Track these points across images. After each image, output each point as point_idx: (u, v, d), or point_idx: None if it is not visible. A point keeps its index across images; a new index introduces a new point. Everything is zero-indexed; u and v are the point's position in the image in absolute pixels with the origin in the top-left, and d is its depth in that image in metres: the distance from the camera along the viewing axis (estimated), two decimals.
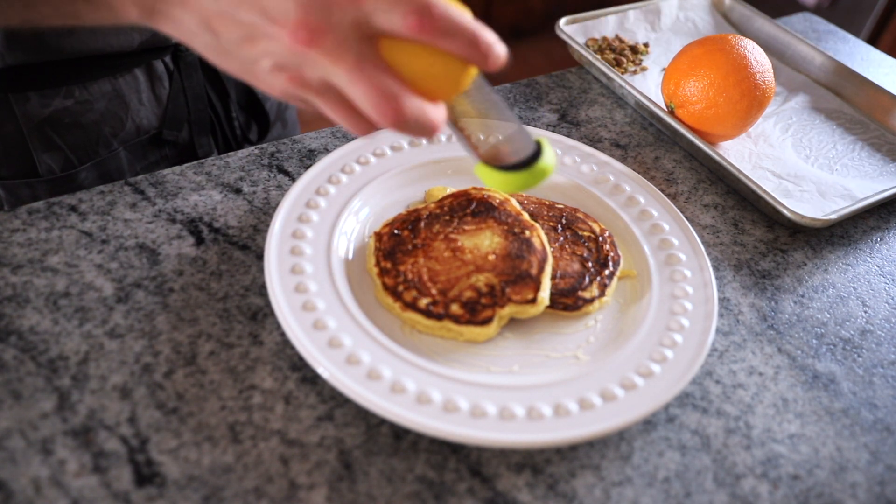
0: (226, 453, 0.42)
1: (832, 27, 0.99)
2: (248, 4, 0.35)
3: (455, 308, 0.48)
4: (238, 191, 0.58)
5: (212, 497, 0.40)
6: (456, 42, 0.35)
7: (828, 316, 0.57)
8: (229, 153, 0.62)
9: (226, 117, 0.76)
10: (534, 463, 0.44)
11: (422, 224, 0.53)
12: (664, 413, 0.48)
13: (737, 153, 0.71)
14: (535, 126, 0.70)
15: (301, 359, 0.47)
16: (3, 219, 0.53)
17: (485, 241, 0.52)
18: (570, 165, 0.62)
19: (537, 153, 0.44)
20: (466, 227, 0.53)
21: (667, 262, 0.55)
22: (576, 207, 0.59)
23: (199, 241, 0.54)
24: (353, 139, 0.65)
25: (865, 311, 0.58)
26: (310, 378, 0.46)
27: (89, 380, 0.44)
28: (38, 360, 0.45)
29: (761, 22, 0.87)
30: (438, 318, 0.48)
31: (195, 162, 0.60)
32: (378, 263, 0.51)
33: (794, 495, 0.45)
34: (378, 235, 0.53)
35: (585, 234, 0.56)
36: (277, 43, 0.35)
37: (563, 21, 0.81)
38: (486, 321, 0.48)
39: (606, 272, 0.53)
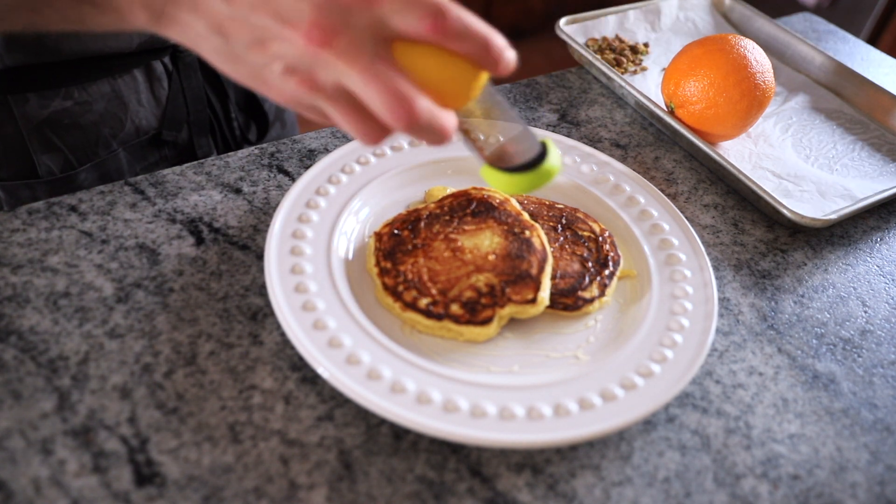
0: (226, 453, 0.42)
1: (832, 27, 0.99)
2: (262, 7, 0.34)
3: (455, 308, 0.48)
4: (238, 191, 0.58)
5: (212, 497, 0.40)
6: (469, 45, 0.36)
7: (828, 316, 0.57)
8: (229, 153, 0.62)
9: (225, 118, 0.76)
10: (534, 463, 0.44)
11: (422, 224, 0.53)
12: (664, 413, 0.48)
13: (737, 153, 0.71)
14: (535, 126, 0.70)
15: (301, 359, 0.47)
16: (3, 219, 0.53)
17: (485, 241, 0.52)
18: (570, 165, 0.62)
19: (543, 154, 0.43)
20: (466, 227, 0.53)
21: (667, 262, 0.55)
22: (576, 207, 0.59)
23: (199, 241, 0.54)
24: (353, 139, 0.65)
25: (865, 311, 0.58)
26: (310, 378, 0.46)
27: (89, 380, 0.44)
28: (38, 360, 0.45)
29: (761, 22, 0.87)
30: (438, 318, 0.48)
31: (195, 162, 0.60)
32: (378, 263, 0.51)
33: (794, 495, 0.45)
34: (378, 235, 0.53)
35: (585, 234, 0.56)
36: (290, 45, 0.35)
37: (563, 21, 0.81)
38: (486, 321, 0.48)
39: (606, 272, 0.53)
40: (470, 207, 0.54)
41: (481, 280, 0.50)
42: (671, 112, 0.70)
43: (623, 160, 0.68)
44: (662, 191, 0.65)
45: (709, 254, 0.60)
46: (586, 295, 0.52)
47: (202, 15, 0.36)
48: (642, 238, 0.57)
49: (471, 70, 0.38)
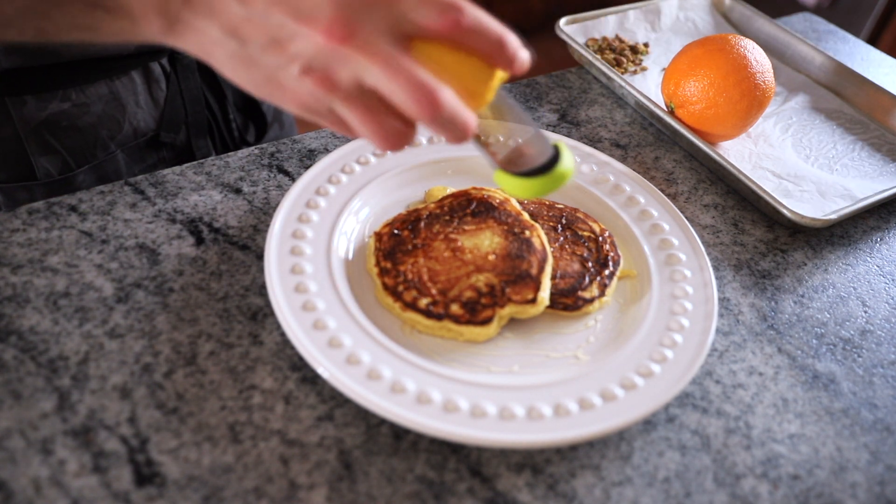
0: (226, 453, 0.42)
1: (832, 27, 0.99)
2: (279, 5, 0.34)
3: (455, 308, 0.48)
4: (238, 191, 0.58)
5: (212, 497, 0.40)
6: (485, 41, 0.36)
7: (828, 316, 0.57)
8: (229, 153, 0.62)
9: (223, 119, 0.76)
10: (534, 463, 0.44)
11: (422, 224, 0.53)
12: (664, 413, 0.48)
13: (737, 153, 0.71)
14: None
15: (301, 359, 0.47)
16: (3, 219, 0.53)
17: (485, 241, 0.52)
18: None
19: (556, 157, 0.43)
20: (466, 227, 0.53)
21: (667, 262, 0.55)
22: (576, 207, 0.59)
23: (199, 241, 0.54)
24: (352, 139, 0.65)
25: (865, 311, 0.58)
26: (310, 378, 0.46)
27: (89, 380, 0.44)
28: (38, 360, 0.45)
29: (761, 22, 0.87)
30: (438, 318, 0.48)
31: (195, 162, 0.60)
32: (378, 263, 0.51)
33: (794, 495, 0.45)
34: (378, 235, 0.53)
35: (585, 234, 0.56)
36: (309, 42, 0.35)
37: (563, 21, 0.81)
38: (486, 321, 0.48)
39: (606, 272, 0.53)
40: (470, 207, 0.54)
41: (481, 280, 0.50)
42: (671, 112, 0.70)
43: (623, 160, 0.68)
44: (662, 191, 0.65)
45: (709, 254, 0.60)
46: (586, 295, 0.52)
47: (218, 18, 0.36)
48: (642, 238, 0.57)
49: (486, 70, 0.38)
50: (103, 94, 0.65)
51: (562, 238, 0.56)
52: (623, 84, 0.73)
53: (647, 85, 0.79)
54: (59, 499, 0.39)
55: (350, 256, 0.53)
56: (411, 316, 0.49)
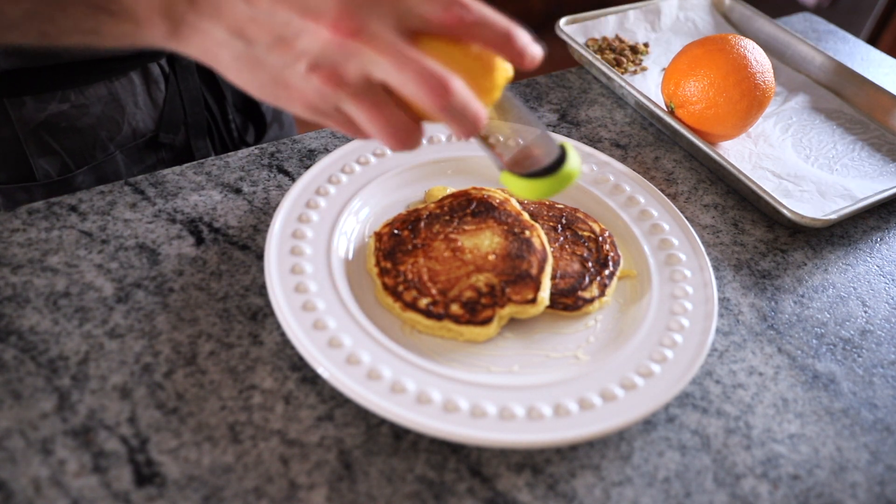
0: (226, 453, 0.42)
1: (832, 27, 0.99)
2: (285, 3, 0.34)
3: (455, 308, 0.48)
4: (238, 191, 0.58)
5: (212, 497, 0.40)
6: (493, 35, 0.36)
7: (828, 316, 0.57)
8: (229, 153, 0.62)
9: (222, 119, 0.76)
10: (534, 463, 0.44)
11: (422, 224, 0.53)
12: (664, 413, 0.48)
13: (737, 153, 0.71)
14: None
15: (301, 359, 0.47)
16: (3, 219, 0.53)
17: (485, 241, 0.52)
18: None
19: (562, 158, 0.43)
20: (466, 227, 0.53)
21: (667, 262, 0.55)
22: (576, 207, 0.59)
23: (199, 241, 0.54)
24: (352, 139, 0.65)
25: (865, 311, 0.58)
26: (310, 378, 0.46)
27: (89, 380, 0.44)
28: (38, 360, 0.45)
29: (761, 22, 0.87)
30: (438, 318, 0.48)
31: (195, 162, 0.60)
32: (378, 263, 0.51)
33: (794, 495, 0.45)
34: (378, 235, 0.53)
35: (585, 234, 0.56)
36: (316, 38, 0.34)
37: (563, 21, 0.81)
38: (486, 321, 0.48)
39: (606, 272, 0.53)
40: (470, 207, 0.54)
41: (481, 280, 0.50)
42: (671, 112, 0.70)
43: (623, 160, 0.68)
44: (662, 191, 0.65)
45: (709, 254, 0.60)
46: (586, 295, 0.52)
47: (224, 19, 0.36)
48: (642, 238, 0.57)
49: (493, 67, 0.38)
50: (102, 95, 0.64)
51: (562, 238, 0.56)
52: (623, 84, 0.73)
53: (647, 85, 0.79)
54: (59, 499, 0.39)
55: (350, 256, 0.53)
56: (411, 316, 0.49)
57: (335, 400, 0.45)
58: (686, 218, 0.62)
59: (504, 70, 0.39)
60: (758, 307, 0.56)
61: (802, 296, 0.58)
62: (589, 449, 0.45)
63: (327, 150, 0.64)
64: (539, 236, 0.53)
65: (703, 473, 0.45)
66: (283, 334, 0.49)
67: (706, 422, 0.48)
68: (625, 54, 0.81)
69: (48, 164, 0.65)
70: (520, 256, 0.51)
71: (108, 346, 0.46)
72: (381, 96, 0.36)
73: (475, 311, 0.48)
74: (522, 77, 0.78)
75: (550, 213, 0.57)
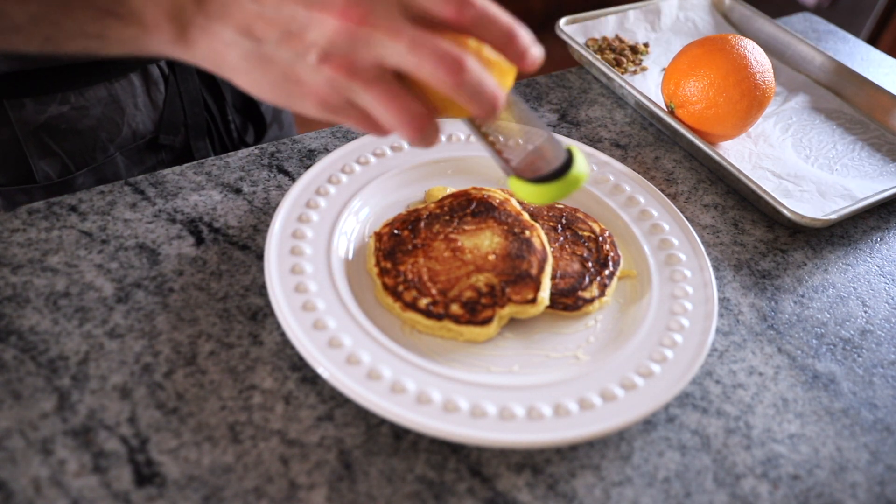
0: (226, 453, 0.42)
1: (832, 27, 0.99)
2: None
3: (455, 308, 0.48)
4: (238, 191, 0.58)
5: (212, 497, 0.40)
6: (492, 34, 0.36)
7: (828, 316, 0.57)
8: (229, 153, 0.62)
9: (222, 120, 0.75)
10: (534, 463, 0.44)
11: (422, 224, 0.53)
12: (664, 413, 0.48)
13: (737, 153, 0.71)
14: None
15: (301, 359, 0.47)
16: (3, 219, 0.53)
17: (485, 241, 0.52)
18: None
19: (569, 162, 0.43)
20: (466, 227, 0.53)
21: (667, 262, 0.55)
22: (576, 207, 0.59)
23: (199, 241, 0.54)
24: (352, 139, 0.65)
25: (865, 311, 0.58)
26: (310, 378, 0.46)
27: (89, 380, 0.44)
28: (38, 360, 0.45)
29: (761, 22, 0.87)
30: (438, 318, 0.48)
31: (195, 162, 0.60)
32: (378, 263, 0.51)
33: (794, 495, 0.45)
34: (378, 235, 0.53)
35: (585, 234, 0.56)
36: (324, 28, 0.34)
37: (563, 21, 0.81)
38: (486, 321, 0.48)
39: (606, 272, 0.53)
40: (470, 207, 0.54)
41: (481, 280, 0.50)
42: (671, 112, 0.70)
43: (623, 160, 0.68)
44: (662, 191, 0.65)
45: (709, 254, 0.60)
46: (586, 295, 0.52)
47: (232, 18, 0.36)
48: (642, 238, 0.57)
49: (498, 65, 0.38)
50: (102, 96, 0.64)
51: (562, 238, 0.56)
52: (623, 84, 0.73)
53: (647, 85, 0.79)
54: (59, 499, 0.39)
55: (350, 256, 0.53)
56: (411, 316, 0.49)
57: (335, 400, 0.45)
58: (686, 218, 0.62)
59: (509, 70, 0.39)
60: (758, 307, 0.56)
61: (802, 296, 0.58)
62: (589, 449, 0.45)
63: (327, 150, 0.64)
64: (539, 236, 0.53)
65: (703, 473, 0.45)
66: (283, 334, 0.49)
67: (706, 422, 0.48)
68: (625, 54, 0.81)
69: (48, 166, 0.65)
70: (520, 256, 0.51)
71: (108, 346, 0.46)
72: (395, 84, 0.36)
73: (475, 311, 0.48)
74: (522, 77, 0.78)
75: (550, 213, 0.57)
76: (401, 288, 0.50)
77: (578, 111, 0.74)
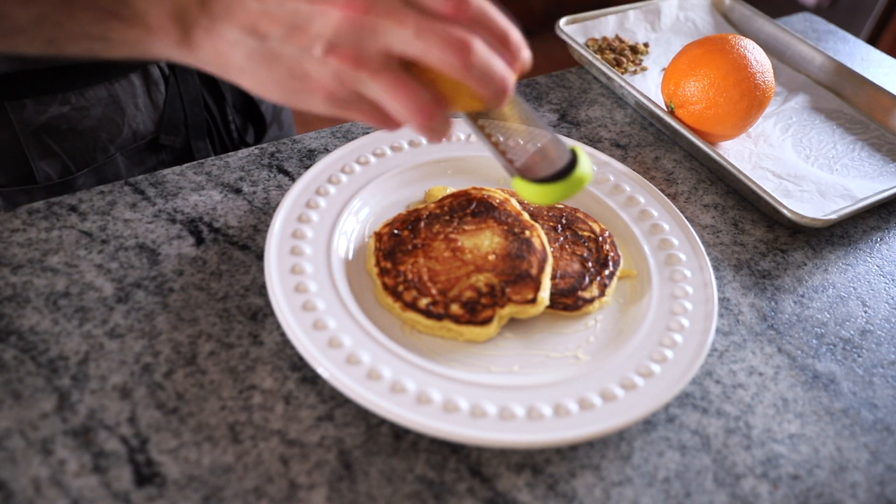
0: (226, 453, 0.42)
1: (832, 27, 0.99)
2: None
3: (455, 308, 0.48)
4: (238, 191, 0.58)
5: (212, 497, 0.40)
6: (489, 31, 0.36)
7: (828, 316, 0.57)
8: (229, 153, 0.62)
9: (222, 121, 0.75)
10: (534, 463, 0.44)
11: (422, 224, 0.53)
12: (664, 413, 0.48)
13: (737, 153, 0.71)
14: None
15: (301, 359, 0.47)
16: (3, 219, 0.53)
17: (485, 241, 0.52)
18: None
19: (573, 162, 0.43)
20: (466, 227, 0.53)
21: (667, 262, 0.55)
22: (576, 207, 0.59)
23: (199, 241, 0.54)
24: (353, 139, 0.65)
25: (865, 311, 0.58)
26: (310, 378, 0.46)
27: (89, 380, 0.44)
28: (38, 360, 0.45)
29: (761, 22, 0.87)
30: (438, 318, 0.48)
31: (195, 162, 0.60)
32: (378, 263, 0.51)
33: (794, 495, 0.45)
34: (378, 235, 0.53)
35: (585, 234, 0.56)
36: (329, 19, 0.34)
37: (563, 21, 0.81)
38: (486, 321, 0.48)
39: (606, 272, 0.53)
40: (470, 207, 0.54)
41: (481, 280, 0.50)
42: (671, 112, 0.70)
43: (623, 160, 0.68)
44: (662, 191, 0.65)
45: (709, 254, 0.60)
46: (586, 295, 0.52)
47: (236, 18, 0.36)
48: (642, 238, 0.57)
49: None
50: (102, 97, 0.64)
51: (562, 238, 0.56)
52: (623, 84, 0.73)
53: (647, 85, 0.79)
54: (59, 499, 0.39)
55: (350, 256, 0.53)
56: (411, 316, 0.49)
57: (335, 400, 0.45)
58: (686, 218, 0.62)
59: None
60: (758, 307, 0.56)
61: (802, 296, 0.58)
62: (589, 449, 0.45)
63: (327, 150, 0.64)
64: (539, 236, 0.53)
65: (703, 473, 0.45)
66: (283, 334, 0.49)
67: (706, 422, 0.48)
68: (625, 54, 0.81)
69: (49, 167, 0.65)
70: (520, 256, 0.51)
71: (108, 346, 0.46)
72: (403, 73, 0.36)
73: (475, 311, 0.48)
74: (522, 77, 0.78)
75: (550, 213, 0.57)
76: (401, 288, 0.50)
77: (578, 111, 0.74)
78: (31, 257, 0.51)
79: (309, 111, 0.38)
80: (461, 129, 0.63)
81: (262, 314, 0.50)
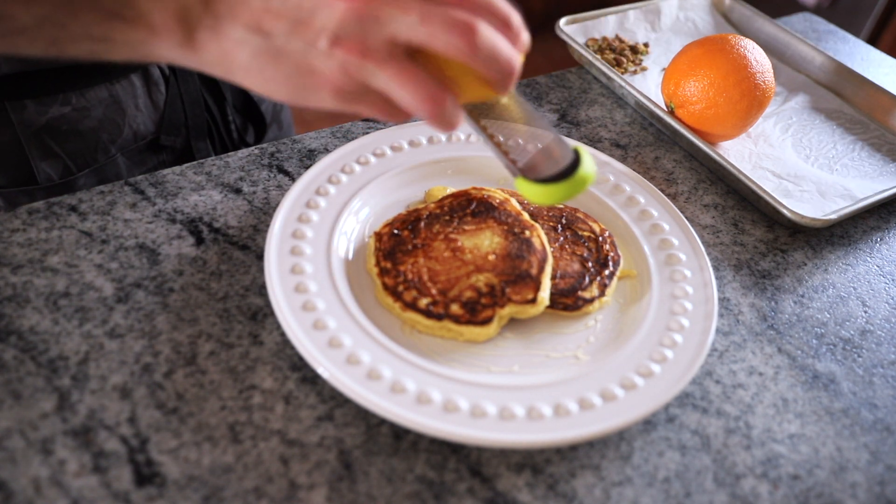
0: (226, 453, 0.42)
1: (832, 27, 0.99)
2: None
3: (455, 308, 0.48)
4: (238, 191, 0.58)
5: (212, 497, 0.40)
6: (491, 15, 0.36)
7: (828, 316, 0.57)
8: (229, 153, 0.62)
9: (222, 121, 0.76)
10: (534, 463, 0.44)
11: (422, 224, 0.53)
12: (664, 413, 0.48)
13: (737, 153, 0.71)
14: None
15: (301, 359, 0.47)
16: (3, 219, 0.53)
17: (485, 241, 0.52)
18: None
19: (576, 162, 0.43)
20: (466, 227, 0.53)
21: (667, 262, 0.55)
22: (576, 207, 0.59)
23: (199, 241, 0.54)
24: (352, 139, 0.65)
25: (865, 311, 0.58)
26: (310, 378, 0.46)
27: (89, 380, 0.44)
28: (38, 360, 0.45)
29: (761, 22, 0.87)
30: (438, 318, 0.48)
31: (195, 162, 0.60)
32: (378, 263, 0.51)
33: (794, 495, 0.45)
34: (378, 235, 0.53)
35: (585, 234, 0.56)
36: (332, 11, 0.34)
37: (563, 21, 0.81)
38: (486, 321, 0.48)
39: (606, 272, 0.53)
40: (470, 207, 0.54)
41: (481, 280, 0.50)
42: (671, 112, 0.70)
43: (623, 160, 0.68)
44: (662, 191, 0.65)
45: (709, 254, 0.60)
46: (586, 295, 0.52)
47: (240, 17, 0.35)
48: (642, 238, 0.57)
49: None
50: (103, 97, 0.64)
51: (562, 238, 0.56)
52: (623, 84, 0.73)
53: (647, 85, 0.79)
54: (59, 499, 0.39)
55: (350, 256, 0.53)
56: (411, 316, 0.49)
57: (335, 400, 0.45)
58: (686, 218, 0.62)
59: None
60: (758, 307, 0.56)
61: (802, 296, 0.58)
62: (589, 449, 0.45)
63: (327, 150, 0.64)
64: (539, 236, 0.53)
65: (703, 473, 0.45)
66: (283, 334, 0.49)
67: (706, 422, 0.48)
68: (625, 54, 0.81)
69: (49, 168, 0.65)
70: (520, 256, 0.51)
71: (108, 346, 0.46)
72: (409, 61, 0.36)
73: (475, 311, 0.48)
74: (522, 77, 0.78)
75: (550, 213, 0.57)
76: (401, 288, 0.50)
77: (578, 111, 0.74)
78: (31, 257, 0.51)
79: (317, 108, 0.38)
80: (461, 129, 0.63)
81: (262, 314, 0.50)
